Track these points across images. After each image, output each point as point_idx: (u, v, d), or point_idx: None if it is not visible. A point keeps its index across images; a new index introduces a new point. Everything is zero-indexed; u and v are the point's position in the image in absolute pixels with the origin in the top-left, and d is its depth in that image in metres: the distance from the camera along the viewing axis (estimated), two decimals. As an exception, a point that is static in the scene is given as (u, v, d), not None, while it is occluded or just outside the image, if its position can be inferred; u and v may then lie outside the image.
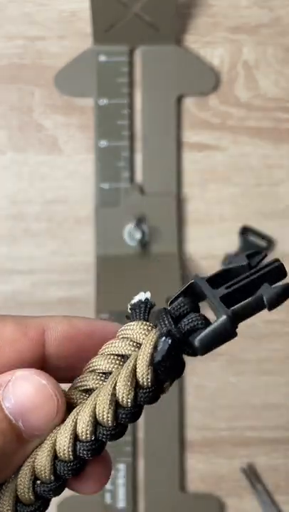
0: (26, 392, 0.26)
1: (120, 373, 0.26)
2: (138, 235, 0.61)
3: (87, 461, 0.27)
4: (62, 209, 0.63)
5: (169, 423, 0.61)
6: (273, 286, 0.26)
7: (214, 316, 0.26)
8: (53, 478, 0.26)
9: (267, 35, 0.63)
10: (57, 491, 0.27)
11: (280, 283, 0.26)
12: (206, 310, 0.27)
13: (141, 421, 0.61)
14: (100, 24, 0.61)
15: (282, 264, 0.26)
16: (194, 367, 0.62)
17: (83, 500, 0.61)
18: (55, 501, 0.60)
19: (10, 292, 0.62)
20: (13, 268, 0.62)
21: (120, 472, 0.61)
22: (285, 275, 0.26)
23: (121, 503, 0.61)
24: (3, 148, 0.63)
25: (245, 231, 0.62)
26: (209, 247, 0.62)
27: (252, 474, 0.61)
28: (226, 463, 0.62)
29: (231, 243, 0.62)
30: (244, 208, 0.63)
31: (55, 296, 0.62)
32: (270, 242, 0.62)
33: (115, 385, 0.26)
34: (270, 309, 0.26)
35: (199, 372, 0.62)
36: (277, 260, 0.27)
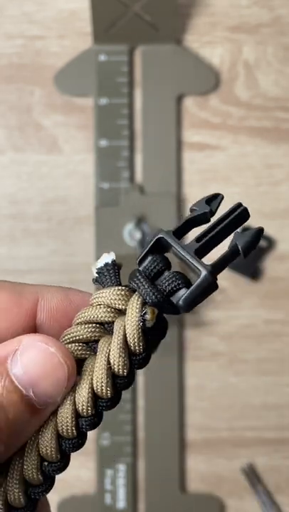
0: (35, 360, 0.25)
1: (112, 344, 0.26)
2: (138, 235, 0.61)
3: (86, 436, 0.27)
4: (63, 209, 0.63)
5: (169, 423, 0.61)
6: (244, 233, 0.27)
7: (182, 268, 0.27)
8: (59, 456, 0.26)
9: (267, 34, 0.63)
10: (63, 469, 0.27)
11: (250, 230, 0.27)
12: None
13: (141, 421, 0.61)
14: (100, 24, 0.61)
15: (246, 208, 0.27)
16: (194, 367, 0.61)
17: (83, 500, 0.60)
18: (55, 501, 0.60)
19: (10, 292, 0.62)
20: (13, 268, 0.62)
21: (120, 472, 0.61)
22: (249, 216, 0.27)
23: (121, 504, 0.61)
24: (2, 148, 0.63)
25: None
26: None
27: (252, 474, 0.61)
28: (226, 463, 0.62)
29: (231, 243, 0.62)
30: (244, 207, 0.63)
31: (55, 296, 0.62)
32: (270, 242, 0.62)
33: (109, 357, 0.26)
34: (245, 256, 0.27)
35: (199, 372, 0.62)
36: (240, 205, 0.28)
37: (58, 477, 0.27)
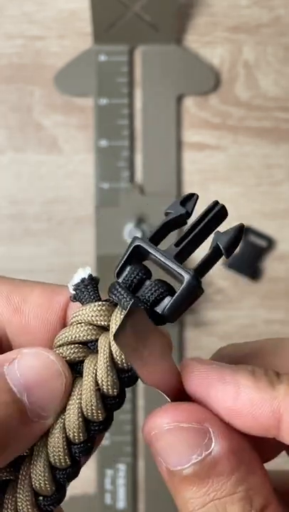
0: (33, 365, 0.24)
1: (98, 363, 0.25)
2: (138, 235, 0.61)
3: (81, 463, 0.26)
4: (63, 209, 0.63)
5: (169, 423, 0.61)
6: (225, 232, 0.25)
7: (164, 274, 0.25)
8: (54, 488, 0.25)
9: (267, 34, 0.63)
10: (59, 501, 0.26)
11: (231, 228, 0.25)
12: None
13: (141, 421, 0.61)
14: (100, 24, 0.61)
15: (223, 206, 0.26)
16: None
17: (83, 500, 0.60)
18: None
19: (10, 292, 0.62)
20: (13, 268, 0.62)
21: (120, 472, 0.61)
22: (227, 215, 0.26)
23: (121, 504, 0.61)
24: (2, 148, 0.63)
25: (245, 231, 0.62)
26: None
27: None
28: (226, 463, 0.62)
29: (231, 243, 0.62)
30: (244, 208, 0.63)
31: (55, 296, 0.62)
32: (270, 242, 0.62)
33: (96, 377, 0.25)
34: (227, 256, 0.25)
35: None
36: (216, 203, 0.26)
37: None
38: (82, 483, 0.61)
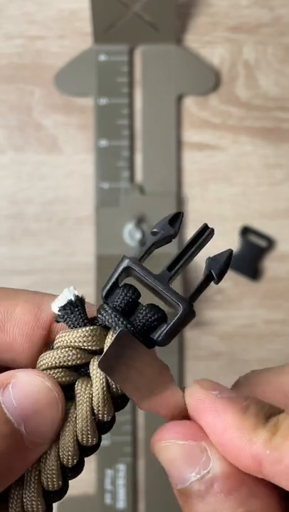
0: (29, 394, 0.24)
1: (95, 391, 0.25)
2: (138, 235, 0.61)
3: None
4: (62, 209, 0.63)
5: (169, 423, 0.61)
6: (216, 257, 0.26)
7: (149, 293, 0.26)
8: (45, 510, 0.26)
9: (267, 34, 0.63)
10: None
11: (221, 253, 0.26)
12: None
13: (141, 421, 0.61)
14: (100, 24, 0.61)
15: (213, 229, 0.27)
16: (194, 367, 0.61)
17: (83, 500, 0.60)
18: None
19: (10, 292, 0.62)
20: (13, 268, 0.62)
21: (120, 472, 0.61)
22: (213, 235, 0.27)
23: (121, 504, 0.61)
24: (2, 148, 0.63)
25: (245, 231, 0.62)
26: (209, 247, 0.62)
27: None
28: (226, 463, 0.61)
29: (231, 243, 0.62)
30: (244, 208, 0.63)
31: (55, 296, 0.62)
32: (270, 242, 0.62)
33: (92, 404, 0.25)
34: (217, 282, 0.26)
35: (199, 372, 0.62)
36: (206, 226, 0.26)
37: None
38: (82, 484, 0.61)
